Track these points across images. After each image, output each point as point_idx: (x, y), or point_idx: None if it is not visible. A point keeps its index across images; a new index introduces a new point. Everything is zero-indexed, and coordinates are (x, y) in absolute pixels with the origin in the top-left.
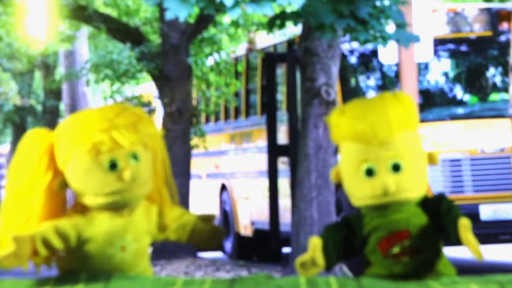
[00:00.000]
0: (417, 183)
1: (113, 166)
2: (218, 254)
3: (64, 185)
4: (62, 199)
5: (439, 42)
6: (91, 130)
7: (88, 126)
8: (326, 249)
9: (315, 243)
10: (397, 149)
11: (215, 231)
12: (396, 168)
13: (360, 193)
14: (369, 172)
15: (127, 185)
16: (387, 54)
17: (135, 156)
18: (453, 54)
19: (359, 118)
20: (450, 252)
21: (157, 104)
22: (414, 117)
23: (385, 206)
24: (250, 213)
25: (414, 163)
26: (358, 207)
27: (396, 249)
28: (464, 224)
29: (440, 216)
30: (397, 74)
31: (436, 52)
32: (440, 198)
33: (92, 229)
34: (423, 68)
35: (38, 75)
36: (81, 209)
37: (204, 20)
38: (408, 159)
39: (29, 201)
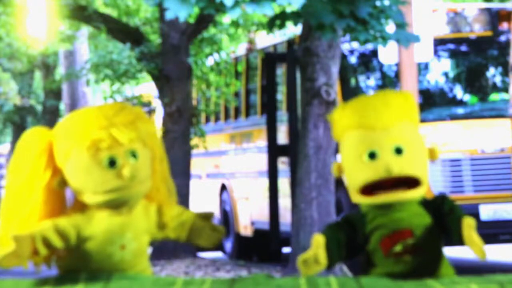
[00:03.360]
0: (418, 167)
1: (112, 163)
2: (218, 254)
3: (63, 183)
4: (61, 198)
5: (439, 42)
6: (90, 127)
7: (87, 123)
8: (328, 247)
9: (318, 241)
10: (400, 135)
11: (214, 229)
12: (398, 151)
13: (362, 177)
14: (372, 156)
15: (126, 182)
16: (387, 54)
17: (134, 154)
18: (453, 54)
19: (362, 107)
20: (450, 252)
21: (157, 104)
22: (414, 111)
23: (387, 205)
24: (250, 213)
25: (416, 150)
26: (359, 206)
27: (398, 248)
28: (469, 223)
29: (443, 216)
30: (397, 74)
31: (436, 52)
32: (442, 198)
33: (91, 228)
34: (423, 68)
35: (38, 75)
36: (80, 207)
37: (204, 20)
38: (409, 145)
39: (28, 200)
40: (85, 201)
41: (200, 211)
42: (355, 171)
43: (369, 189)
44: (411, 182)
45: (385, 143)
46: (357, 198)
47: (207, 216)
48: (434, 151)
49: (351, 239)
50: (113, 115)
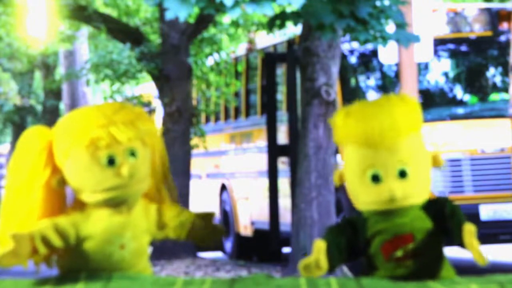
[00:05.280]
0: (422, 189)
1: (111, 162)
2: (218, 254)
3: (63, 182)
4: (61, 197)
5: (439, 42)
6: (89, 126)
7: (86, 122)
8: (329, 251)
9: (319, 246)
10: (404, 155)
11: (214, 229)
12: (402, 174)
13: (365, 199)
14: (375, 178)
15: (125, 181)
16: (387, 54)
17: (133, 153)
18: (453, 54)
19: (366, 121)
20: (450, 252)
21: (157, 104)
22: (419, 119)
23: (389, 210)
24: (250, 213)
25: (420, 167)
26: (360, 210)
27: (399, 253)
28: (470, 230)
29: (444, 218)
30: (397, 74)
31: (436, 52)
32: (444, 201)
33: (90, 227)
34: (423, 68)
35: (38, 75)
36: (80, 206)
37: (204, 20)
38: (414, 164)
39: (28, 199)
40: (84, 199)
41: (200, 211)
42: (358, 189)
43: None
44: None
45: (389, 165)
46: (359, 205)
47: (207, 216)
48: (437, 158)
49: (352, 243)
50: (112, 113)
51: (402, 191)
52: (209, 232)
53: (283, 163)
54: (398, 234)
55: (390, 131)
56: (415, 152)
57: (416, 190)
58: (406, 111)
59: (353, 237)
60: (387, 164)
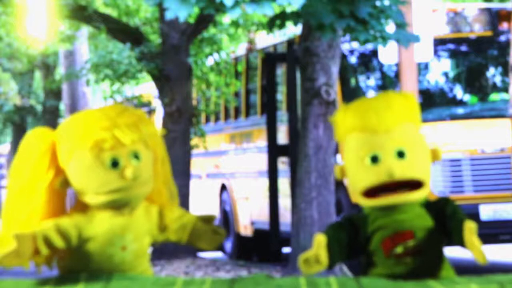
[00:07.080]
0: (421, 172)
1: (114, 164)
2: (218, 254)
3: (65, 184)
4: (63, 198)
5: (439, 42)
6: (93, 128)
7: (90, 124)
8: (330, 247)
9: (319, 240)
10: (402, 138)
11: (215, 232)
12: (400, 154)
13: (365, 182)
14: (374, 159)
15: (129, 183)
16: (387, 54)
17: (136, 155)
18: (453, 54)
19: (365, 109)
20: (450, 252)
21: (157, 104)
22: (417, 113)
23: (390, 206)
24: (250, 213)
25: (418, 152)
26: (361, 207)
27: (399, 249)
28: (470, 227)
29: (445, 218)
30: (397, 74)
31: (436, 52)
32: (445, 201)
33: (92, 228)
34: (423, 68)
35: (38, 75)
36: (82, 208)
37: (204, 20)
38: (412, 148)
39: (30, 200)
40: (87, 201)
41: (201, 214)
42: (357, 175)
43: (371, 192)
44: (414, 184)
45: (387, 147)
46: (359, 200)
47: (208, 219)
48: (436, 152)
49: (353, 239)
50: (115, 116)
51: (400, 169)
52: (210, 235)
53: (283, 163)
54: (398, 230)
55: (387, 116)
56: (413, 138)
57: (415, 170)
58: (403, 102)
59: (354, 234)
60: (385, 146)
